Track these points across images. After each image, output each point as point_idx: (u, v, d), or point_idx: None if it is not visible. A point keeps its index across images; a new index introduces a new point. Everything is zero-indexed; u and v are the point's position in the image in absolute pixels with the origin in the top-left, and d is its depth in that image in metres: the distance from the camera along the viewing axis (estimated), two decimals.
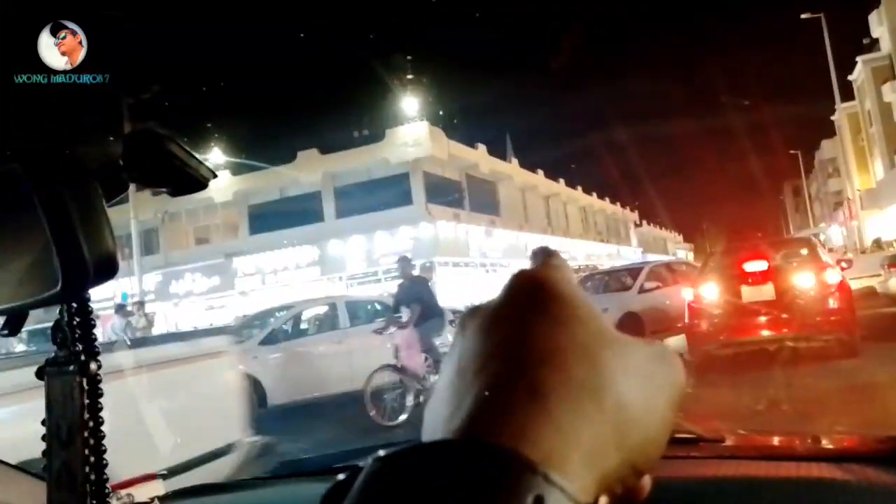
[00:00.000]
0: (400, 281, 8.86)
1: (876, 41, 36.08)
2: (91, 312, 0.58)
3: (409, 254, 26.68)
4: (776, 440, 1.35)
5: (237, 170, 30.25)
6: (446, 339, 9.55)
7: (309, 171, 28.19)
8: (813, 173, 59.40)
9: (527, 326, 0.33)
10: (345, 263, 27.20)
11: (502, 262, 30.80)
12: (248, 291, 28.51)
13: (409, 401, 7.72)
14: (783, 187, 77.73)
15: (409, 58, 31.10)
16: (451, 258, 27.12)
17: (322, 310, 10.77)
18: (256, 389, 8.69)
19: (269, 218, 29.26)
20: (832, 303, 8.21)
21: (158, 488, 1.45)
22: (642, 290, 12.45)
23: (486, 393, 0.30)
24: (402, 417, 7.60)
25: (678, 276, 13.44)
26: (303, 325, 10.30)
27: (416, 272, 9.00)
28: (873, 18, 35.70)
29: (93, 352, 0.58)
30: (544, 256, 0.38)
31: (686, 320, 9.23)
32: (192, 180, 0.60)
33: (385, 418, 7.60)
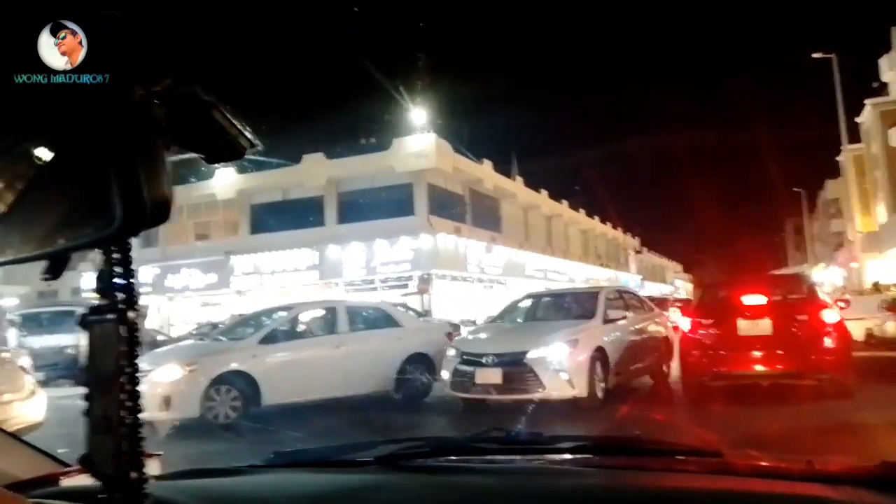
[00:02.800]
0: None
1: (885, 85, 36.23)
2: (132, 263, 0.60)
3: (408, 264, 26.63)
4: (771, 460, 1.36)
5: (242, 168, 30.27)
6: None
7: (313, 175, 28.22)
8: (815, 213, 59.47)
9: None
10: (343, 269, 27.19)
11: (500, 278, 30.81)
12: (244, 291, 28.47)
13: None
14: (784, 225, 77.80)
15: (420, 69, 31.16)
16: (449, 271, 27.12)
17: (322, 313, 10.75)
18: (252, 388, 8.71)
19: (271, 218, 29.26)
20: (829, 342, 8.12)
21: (154, 467, 1.46)
22: (607, 320, 9.58)
23: None
24: None
25: (639, 305, 11.58)
26: (302, 327, 10.28)
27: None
28: (884, 62, 35.88)
29: (132, 301, 0.60)
30: None
31: (679, 350, 9.34)
32: (231, 148, 0.61)
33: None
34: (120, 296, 0.60)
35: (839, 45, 29.97)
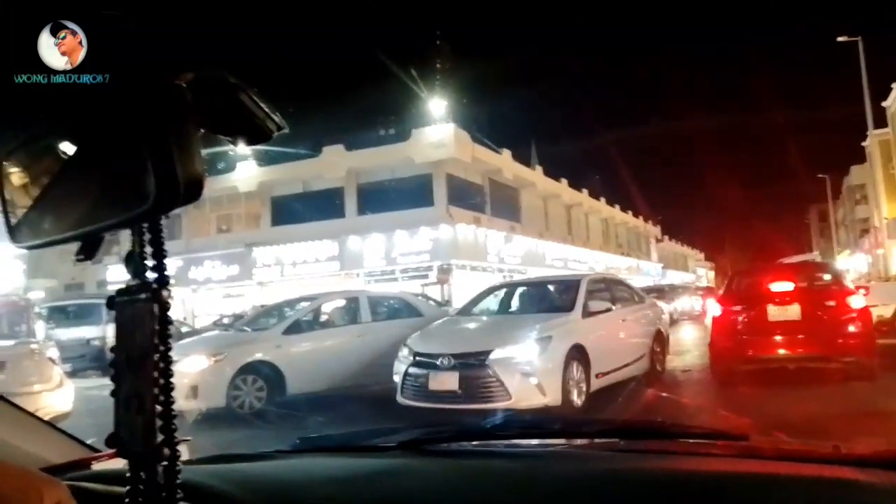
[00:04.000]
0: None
1: None
2: (164, 243, 0.61)
3: (427, 255, 26.62)
4: (798, 444, 1.35)
5: (263, 161, 30.48)
6: None
7: (333, 167, 28.30)
8: (840, 199, 58.63)
9: None
10: (363, 260, 27.28)
11: (520, 268, 30.73)
12: (266, 282, 28.70)
13: None
14: (809, 211, 76.81)
15: (439, 58, 31.11)
16: (468, 261, 27.10)
17: (344, 303, 10.86)
18: (277, 377, 8.85)
19: (292, 210, 29.43)
20: (855, 327, 8.42)
21: (183, 452, 1.49)
22: (588, 313, 8.38)
23: None
24: None
25: (629, 295, 10.40)
26: (325, 317, 10.38)
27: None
28: None
29: (165, 280, 0.61)
30: None
31: (710, 335, 9.56)
32: (259, 131, 0.62)
33: None
34: (152, 275, 0.62)
35: (866, 28, 29.35)
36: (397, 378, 7.84)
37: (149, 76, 0.56)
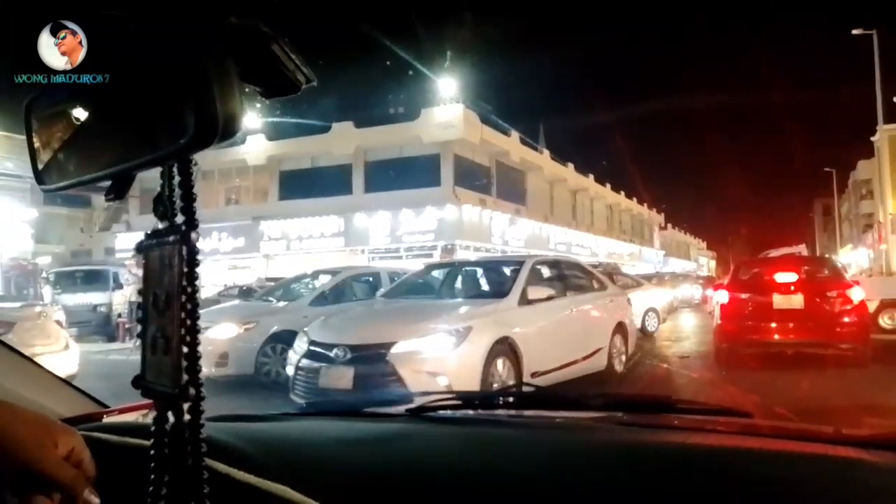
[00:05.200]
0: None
1: None
2: (194, 185, 0.62)
3: (432, 234, 26.55)
4: (801, 424, 1.36)
5: (272, 135, 30.42)
6: None
7: (342, 144, 28.24)
8: (846, 193, 58.31)
9: None
10: (368, 237, 27.32)
11: (523, 251, 30.74)
12: (272, 255, 28.79)
13: None
14: (813, 205, 76.47)
15: (451, 39, 30.92)
16: (473, 242, 27.11)
17: (366, 278, 11.11)
18: None
19: (299, 185, 29.49)
20: (853, 316, 9.14)
21: None
22: (526, 301, 7.24)
23: None
24: None
25: (586, 281, 9.19)
26: (348, 291, 10.55)
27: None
28: None
29: (193, 222, 0.62)
30: None
31: (716, 320, 10.07)
32: (288, 83, 0.62)
33: None
34: (181, 217, 0.63)
35: (879, 22, 28.95)
36: (290, 370, 6.82)
37: (191, 16, 0.56)
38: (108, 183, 0.66)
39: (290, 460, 1.06)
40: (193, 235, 0.61)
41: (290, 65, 0.61)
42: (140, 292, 0.65)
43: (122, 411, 1.38)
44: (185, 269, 0.61)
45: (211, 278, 26.53)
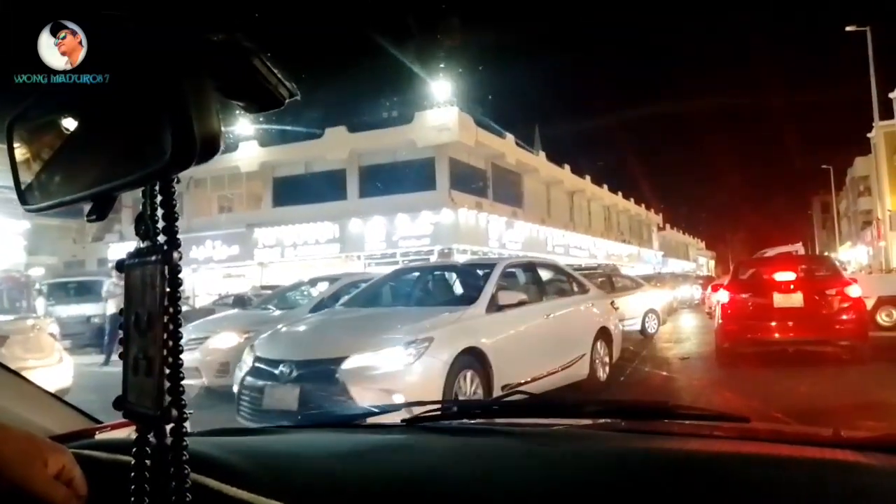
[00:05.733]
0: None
1: None
2: (175, 204, 0.61)
3: (428, 239, 26.50)
4: (799, 427, 1.35)
5: (265, 141, 30.41)
6: None
7: (336, 148, 28.23)
8: (844, 190, 58.51)
9: None
10: (364, 243, 27.28)
11: (521, 254, 30.74)
12: (266, 263, 28.74)
13: None
14: (812, 202, 76.72)
15: (443, 42, 30.89)
16: (470, 246, 27.10)
17: (365, 285, 11.09)
18: None
19: (293, 191, 29.42)
20: (850, 314, 9.31)
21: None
22: (496, 307, 6.70)
23: None
24: None
25: (567, 285, 8.66)
26: (347, 298, 10.61)
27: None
28: None
29: (175, 242, 0.61)
30: None
31: (718, 320, 10.21)
32: (271, 97, 0.62)
33: None
34: (163, 237, 0.62)
35: (874, 18, 29.07)
36: (235, 388, 6.26)
37: (166, 34, 0.56)
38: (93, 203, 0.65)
39: (284, 475, 1.05)
40: (175, 255, 0.61)
41: (273, 79, 0.61)
42: (120, 310, 0.65)
43: (114, 427, 1.36)
44: (167, 290, 0.61)
45: (205, 287, 26.52)
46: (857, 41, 27.91)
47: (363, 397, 5.31)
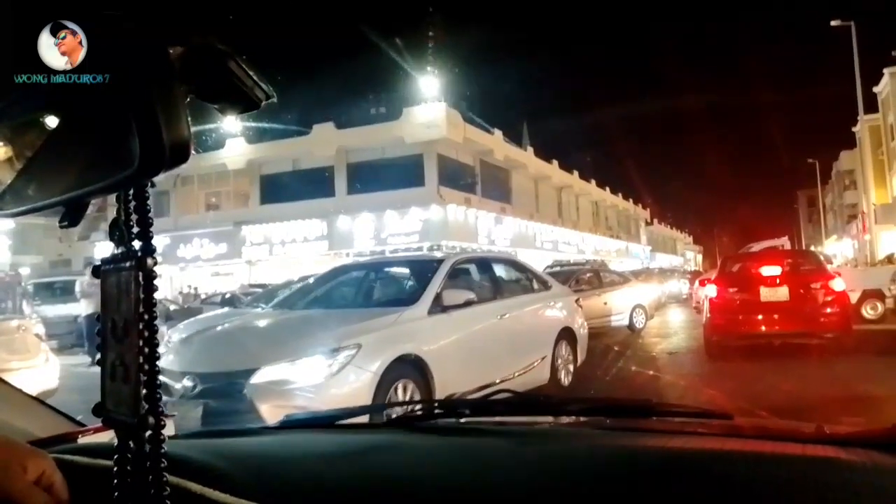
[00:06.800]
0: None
1: None
2: (150, 210, 0.61)
3: (417, 235, 26.50)
4: (782, 423, 1.36)
5: (252, 138, 30.29)
6: None
7: (323, 145, 28.15)
8: (829, 184, 58.92)
9: None
10: (352, 240, 27.23)
11: (510, 250, 30.80)
12: (255, 261, 28.64)
13: None
14: (797, 197, 77.24)
15: (431, 37, 30.93)
16: (459, 243, 27.11)
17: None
18: None
19: (281, 189, 29.35)
20: (835, 307, 9.50)
21: (169, 427, 1.49)
22: (440, 308, 5.98)
23: None
24: None
25: (526, 283, 7.92)
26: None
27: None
28: None
29: (150, 248, 0.61)
30: None
31: (706, 314, 10.28)
32: (247, 100, 0.61)
33: None
34: (137, 243, 0.61)
35: (858, 13, 29.27)
36: None
37: (134, 38, 0.55)
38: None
39: (268, 477, 1.04)
40: (150, 262, 0.60)
41: (249, 82, 0.61)
42: (97, 315, 0.64)
43: (97, 430, 1.35)
44: (143, 296, 0.60)
45: (193, 285, 26.38)
46: (842, 36, 28.09)
47: (275, 416, 4.02)
